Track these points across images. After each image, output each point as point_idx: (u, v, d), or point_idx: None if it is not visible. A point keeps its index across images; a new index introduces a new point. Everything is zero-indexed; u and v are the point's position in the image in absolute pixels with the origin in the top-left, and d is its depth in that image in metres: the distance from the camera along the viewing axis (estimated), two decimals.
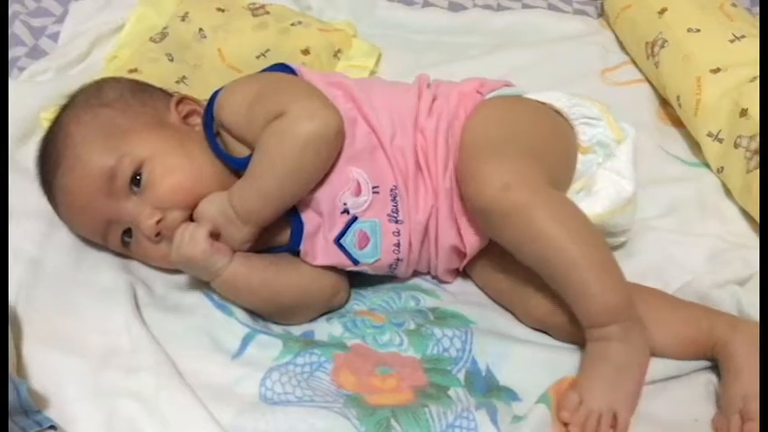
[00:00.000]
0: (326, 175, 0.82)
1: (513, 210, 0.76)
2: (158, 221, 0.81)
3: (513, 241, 0.78)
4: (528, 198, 0.76)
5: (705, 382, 0.81)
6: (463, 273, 0.93)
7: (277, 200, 0.80)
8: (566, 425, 0.74)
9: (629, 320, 0.75)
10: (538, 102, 0.90)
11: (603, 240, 0.78)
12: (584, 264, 0.75)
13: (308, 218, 0.83)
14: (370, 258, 0.85)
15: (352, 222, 0.83)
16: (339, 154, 0.82)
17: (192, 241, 0.78)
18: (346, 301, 0.90)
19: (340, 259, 0.85)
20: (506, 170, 0.77)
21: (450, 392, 0.78)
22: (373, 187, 0.83)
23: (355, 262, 0.85)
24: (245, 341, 0.81)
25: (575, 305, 0.77)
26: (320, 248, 0.84)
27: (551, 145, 0.87)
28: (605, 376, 0.74)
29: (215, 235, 0.80)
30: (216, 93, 0.87)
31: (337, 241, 0.83)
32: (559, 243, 0.75)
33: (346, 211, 0.83)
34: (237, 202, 0.80)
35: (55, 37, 1.26)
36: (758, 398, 0.73)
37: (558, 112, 0.90)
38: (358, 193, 0.82)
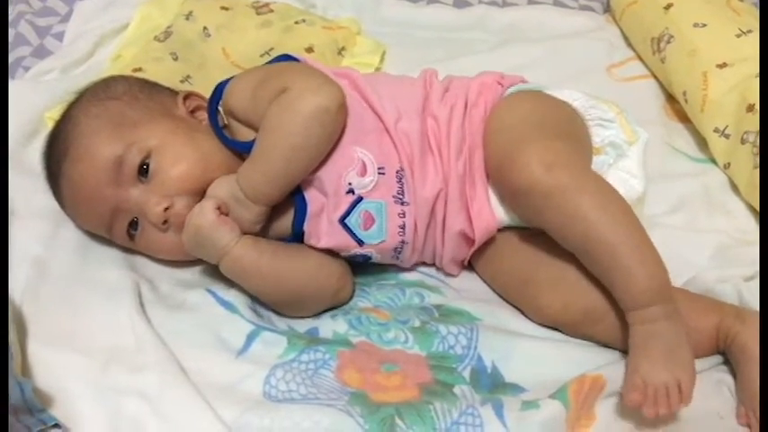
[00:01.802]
0: (330, 155, 0.82)
1: (556, 190, 0.76)
2: (166, 209, 0.81)
3: (557, 223, 0.78)
4: (570, 179, 0.77)
5: (718, 378, 0.81)
6: (469, 268, 0.93)
7: (283, 176, 0.80)
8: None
9: (670, 301, 0.76)
10: (558, 98, 0.91)
11: (641, 223, 0.79)
12: (628, 246, 0.75)
13: (313, 198, 0.83)
14: (375, 239, 0.85)
15: (358, 202, 0.83)
16: (343, 133, 0.82)
17: (200, 212, 0.79)
18: (351, 297, 0.90)
19: (345, 240, 0.84)
20: (548, 150, 0.78)
21: (456, 390, 0.77)
22: (379, 168, 0.83)
23: (360, 243, 0.85)
24: (250, 338, 0.81)
25: (617, 287, 0.77)
26: (324, 229, 0.84)
27: (581, 134, 0.88)
28: (660, 353, 0.74)
29: (224, 212, 0.81)
30: (220, 84, 0.88)
31: (342, 221, 0.83)
32: (602, 226, 0.76)
33: (351, 191, 0.83)
34: (245, 183, 0.80)
35: (60, 36, 1.26)
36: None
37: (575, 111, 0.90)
38: (363, 173, 0.83)
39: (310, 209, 0.83)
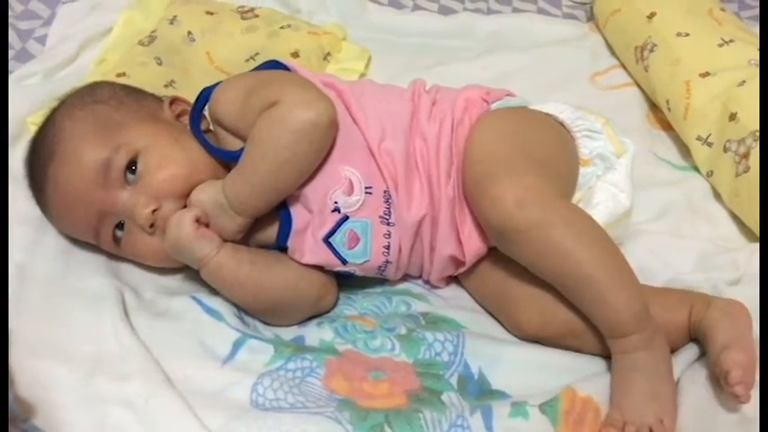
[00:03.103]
0: (317, 172, 0.81)
1: (529, 226, 0.76)
2: (154, 211, 0.81)
3: (530, 257, 0.78)
4: (542, 214, 0.76)
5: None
6: (455, 277, 0.93)
7: (270, 190, 0.80)
8: None
9: (649, 327, 0.76)
10: (542, 113, 0.91)
11: (617, 248, 0.79)
12: (603, 276, 0.76)
13: (298, 214, 0.83)
14: (359, 259, 0.85)
15: (343, 222, 0.83)
16: (331, 149, 0.82)
17: (177, 224, 0.79)
18: (335, 305, 0.89)
19: (328, 258, 0.84)
20: (519, 186, 0.77)
21: (444, 397, 0.77)
22: (366, 187, 0.82)
23: (343, 262, 0.85)
24: (236, 346, 0.80)
25: (595, 317, 0.77)
26: (308, 246, 0.84)
27: (559, 157, 0.88)
28: (641, 388, 0.75)
29: (204, 222, 0.80)
30: (204, 90, 0.87)
31: (326, 240, 0.83)
32: (577, 257, 0.76)
33: (337, 210, 0.82)
34: (230, 192, 0.80)
35: (42, 40, 1.25)
36: (732, 348, 0.74)
37: (560, 124, 0.90)
38: (350, 192, 0.82)
39: (295, 225, 0.83)
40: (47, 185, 0.83)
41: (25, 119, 1.03)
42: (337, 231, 0.83)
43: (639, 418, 0.73)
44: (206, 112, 0.88)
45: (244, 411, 0.74)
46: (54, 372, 0.76)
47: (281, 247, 0.85)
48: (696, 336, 0.81)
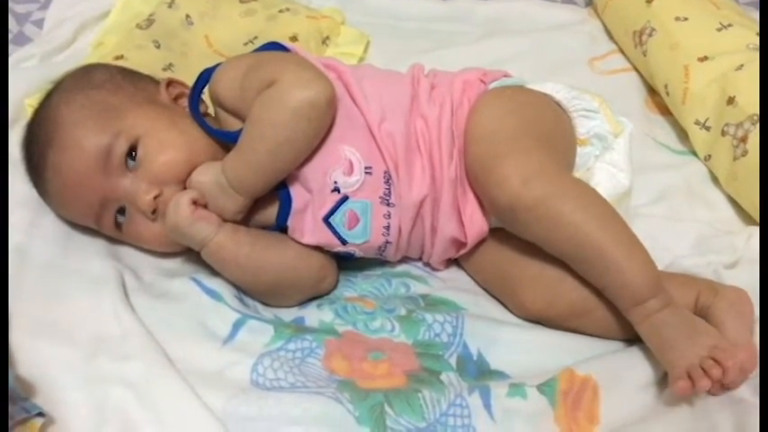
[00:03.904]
0: (316, 151, 0.81)
1: (537, 203, 0.76)
2: (156, 197, 0.81)
3: (541, 234, 0.79)
4: (549, 189, 0.77)
5: None
6: (454, 260, 0.93)
7: (269, 170, 0.80)
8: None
9: (664, 291, 0.76)
10: (539, 92, 0.91)
11: (624, 220, 0.79)
12: (615, 245, 0.76)
13: (297, 194, 0.83)
14: (359, 239, 0.85)
15: (343, 202, 0.83)
16: (330, 128, 0.82)
17: (175, 208, 0.79)
18: (334, 287, 0.90)
19: (328, 238, 0.84)
20: (523, 164, 0.78)
21: (443, 377, 0.78)
22: (366, 167, 0.82)
23: (343, 242, 0.85)
24: (236, 326, 0.80)
25: (611, 287, 0.77)
26: (308, 226, 0.84)
27: (558, 134, 0.88)
28: (679, 336, 0.74)
29: (202, 204, 0.80)
30: (205, 71, 0.87)
31: (326, 219, 0.83)
32: (587, 228, 0.76)
33: (337, 190, 0.82)
34: (230, 173, 0.80)
35: (39, 23, 1.25)
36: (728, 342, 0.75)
37: (557, 104, 0.90)
38: (350, 172, 0.82)
39: (295, 205, 0.83)
40: (46, 172, 0.83)
41: (23, 101, 1.03)
42: (337, 211, 0.83)
43: (693, 356, 0.72)
44: (204, 95, 0.87)
45: (244, 390, 0.74)
46: (54, 351, 0.76)
47: (281, 227, 0.85)
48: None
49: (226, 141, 0.84)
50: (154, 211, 0.81)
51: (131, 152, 0.81)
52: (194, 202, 0.80)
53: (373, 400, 0.73)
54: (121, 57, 1.08)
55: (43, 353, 0.76)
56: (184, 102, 0.89)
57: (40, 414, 0.70)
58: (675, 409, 0.75)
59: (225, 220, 0.82)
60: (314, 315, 0.85)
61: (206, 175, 0.81)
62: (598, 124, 0.89)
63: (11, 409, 0.69)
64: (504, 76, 0.94)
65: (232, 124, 0.84)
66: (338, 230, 0.84)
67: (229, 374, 0.76)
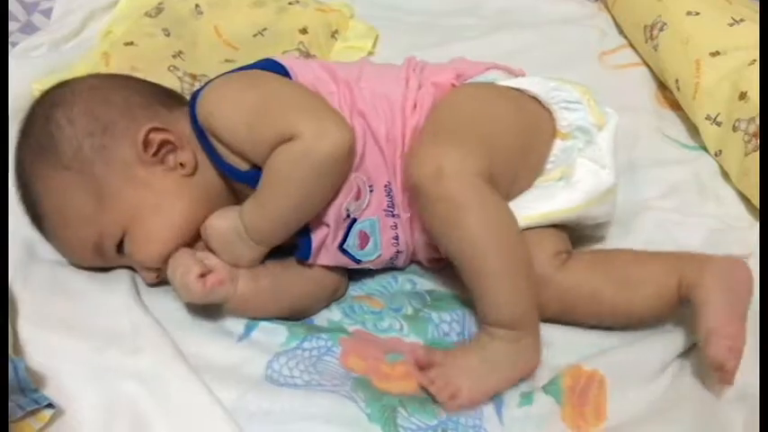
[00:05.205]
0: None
1: (442, 198, 0.74)
2: (157, 275, 0.81)
3: (437, 229, 0.77)
4: (459, 191, 0.74)
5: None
6: None
7: (293, 223, 0.79)
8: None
9: (525, 331, 0.75)
10: (511, 89, 0.87)
11: (525, 249, 0.77)
12: (502, 274, 0.74)
13: (316, 232, 0.81)
14: (372, 256, 0.84)
15: (352, 225, 0.82)
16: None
17: (185, 291, 0.77)
18: (346, 290, 0.89)
19: (344, 262, 0.84)
20: (444, 155, 0.75)
21: None
22: (369, 186, 0.81)
23: (358, 262, 0.84)
24: (249, 327, 0.80)
25: (480, 304, 0.77)
26: (325, 256, 0.83)
27: (509, 137, 0.84)
28: (471, 364, 0.74)
29: (207, 271, 0.78)
30: (195, 96, 0.82)
31: (341, 247, 0.82)
32: (482, 249, 0.74)
33: (348, 216, 0.81)
34: (250, 225, 0.78)
35: (48, 13, 1.24)
36: (718, 334, 0.73)
37: (535, 98, 0.87)
38: (358, 196, 0.81)
39: (314, 244, 0.81)
40: (42, 223, 0.82)
41: (30, 85, 1.02)
42: (349, 236, 0.82)
43: (451, 374, 0.73)
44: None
45: (257, 385, 0.73)
46: (64, 344, 0.75)
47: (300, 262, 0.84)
48: (686, 298, 0.78)
49: (235, 181, 0.82)
50: (159, 282, 0.82)
51: (121, 243, 0.80)
52: (202, 275, 0.77)
53: (386, 401, 0.73)
54: (131, 43, 1.08)
55: (53, 345, 0.75)
56: (170, 148, 0.81)
57: (50, 405, 0.70)
58: (682, 404, 0.75)
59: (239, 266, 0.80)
60: (322, 314, 0.85)
61: (224, 220, 0.79)
62: (581, 116, 0.85)
63: (20, 400, 0.69)
64: (488, 68, 0.90)
65: (228, 155, 0.80)
66: (352, 254, 0.83)
67: (243, 370, 0.75)
